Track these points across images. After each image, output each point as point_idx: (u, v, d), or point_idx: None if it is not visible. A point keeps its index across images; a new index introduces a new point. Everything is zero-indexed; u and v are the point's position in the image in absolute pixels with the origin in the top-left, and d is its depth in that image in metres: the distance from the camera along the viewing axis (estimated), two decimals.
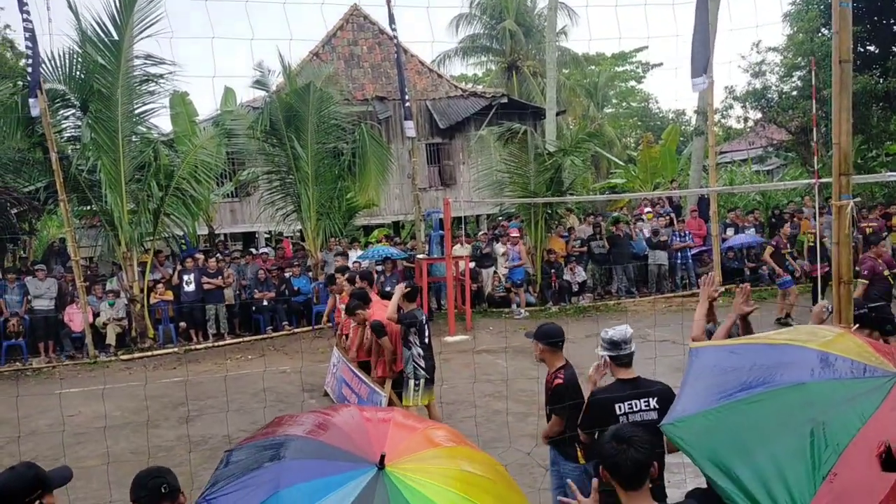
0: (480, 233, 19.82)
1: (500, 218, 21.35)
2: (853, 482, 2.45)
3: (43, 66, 13.73)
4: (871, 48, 19.59)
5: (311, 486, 2.50)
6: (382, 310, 8.15)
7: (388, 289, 11.69)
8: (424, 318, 7.85)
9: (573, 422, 4.61)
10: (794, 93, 20.37)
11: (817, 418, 2.60)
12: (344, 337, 9.72)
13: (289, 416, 3.16)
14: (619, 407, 4.25)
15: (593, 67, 39.70)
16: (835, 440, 2.52)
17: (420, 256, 15.92)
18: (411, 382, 7.62)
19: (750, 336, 3.44)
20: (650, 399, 4.27)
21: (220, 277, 15.25)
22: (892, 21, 19.29)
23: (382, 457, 2.59)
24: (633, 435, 2.89)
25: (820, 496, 2.43)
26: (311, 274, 16.55)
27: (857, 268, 10.42)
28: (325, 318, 12.19)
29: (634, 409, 4.24)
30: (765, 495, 2.48)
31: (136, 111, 14.88)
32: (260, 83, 16.91)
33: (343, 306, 9.58)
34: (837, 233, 4.98)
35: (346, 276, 10.11)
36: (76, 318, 14.38)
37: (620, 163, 29.02)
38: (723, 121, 23.48)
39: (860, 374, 2.76)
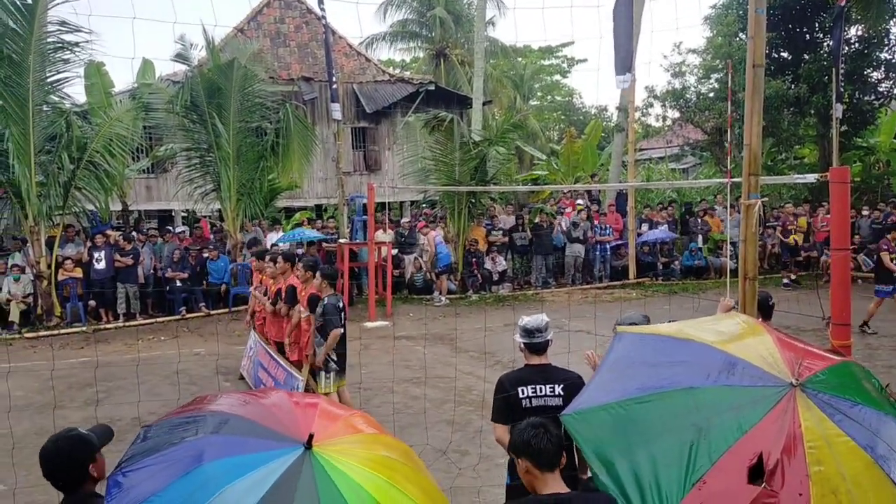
0: (404, 219, 19.79)
1: (424, 205, 21.38)
2: (720, 491, 2.53)
3: None
4: (785, 54, 20.42)
5: (235, 462, 2.48)
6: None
7: None
8: (342, 304, 7.82)
9: None
10: (711, 94, 21.10)
11: (700, 424, 2.67)
12: (262, 321, 9.59)
13: (212, 396, 3.13)
14: (523, 390, 4.23)
15: (520, 59, 39.97)
16: (711, 448, 2.59)
17: (342, 241, 15.80)
18: (322, 373, 7.61)
19: (669, 326, 3.50)
20: (556, 385, 4.23)
21: (133, 256, 14.77)
22: (804, 29, 20.13)
23: (311, 437, 2.58)
24: (546, 422, 2.96)
25: (687, 502, 2.52)
26: (229, 255, 16.21)
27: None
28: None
29: (538, 394, 4.21)
30: (637, 495, 2.57)
31: (49, 79, 14.25)
32: (181, 57, 16.40)
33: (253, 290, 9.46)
34: (745, 231, 5.19)
35: (269, 257, 9.83)
36: None
37: (543, 155, 29.41)
38: (643, 119, 24.13)
39: (754, 383, 2.80)
